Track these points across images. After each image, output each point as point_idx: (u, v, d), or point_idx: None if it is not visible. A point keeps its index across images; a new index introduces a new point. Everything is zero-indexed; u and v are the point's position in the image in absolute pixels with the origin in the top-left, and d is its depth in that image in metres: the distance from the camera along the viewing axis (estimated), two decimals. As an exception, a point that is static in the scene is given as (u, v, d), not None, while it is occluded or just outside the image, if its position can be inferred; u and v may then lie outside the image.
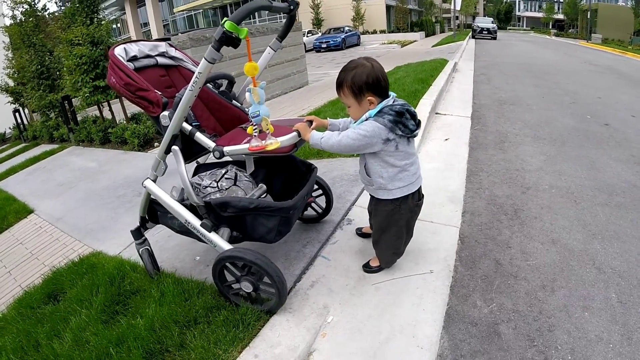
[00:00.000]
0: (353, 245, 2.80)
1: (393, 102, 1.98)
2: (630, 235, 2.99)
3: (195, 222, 2.15)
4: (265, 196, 2.46)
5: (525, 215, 3.28)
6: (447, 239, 2.87)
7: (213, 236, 2.13)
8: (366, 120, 1.96)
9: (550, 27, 66.36)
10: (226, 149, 2.05)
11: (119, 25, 49.55)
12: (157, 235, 3.20)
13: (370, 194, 2.28)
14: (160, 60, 2.58)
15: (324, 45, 26.02)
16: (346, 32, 27.98)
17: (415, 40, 30.06)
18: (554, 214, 3.29)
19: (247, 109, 2.41)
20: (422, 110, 5.91)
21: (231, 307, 2.16)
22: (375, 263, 2.51)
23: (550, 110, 6.85)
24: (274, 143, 1.89)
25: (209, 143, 2.10)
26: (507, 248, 2.84)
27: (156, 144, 6.18)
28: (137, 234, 2.57)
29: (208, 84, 2.66)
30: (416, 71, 9.73)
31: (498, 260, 2.71)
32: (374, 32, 36.32)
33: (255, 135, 1.90)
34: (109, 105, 6.94)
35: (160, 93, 2.12)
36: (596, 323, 2.20)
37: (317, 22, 35.25)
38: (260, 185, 2.49)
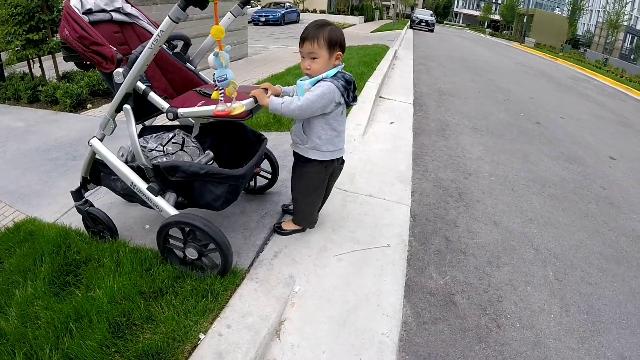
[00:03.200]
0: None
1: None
2: (563, 223, 3.50)
3: (141, 185, 2.18)
4: (212, 163, 2.53)
5: (468, 198, 3.68)
6: (400, 215, 3.15)
7: (159, 200, 2.17)
8: (321, 81, 2.12)
9: (486, 26, 70.89)
10: (181, 110, 2.06)
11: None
12: (98, 202, 3.12)
13: (298, 153, 2.36)
14: (115, 16, 2.56)
15: (262, 19, 25.74)
16: (286, 8, 28.26)
17: (354, 24, 30.93)
18: (494, 199, 3.73)
19: (200, 72, 2.45)
20: (369, 92, 6.28)
21: (197, 276, 2.16)
22: (289, 226, 2.66)
23: (486, 104, 7.50)
24: (238, 107, 1.91)
25: (163, 103, 2.11)
26: (455, 227, 3.19)
27: (89, 105, 5.90)
28: (78, 194, 2.52)
29: (163, 45, 2.67)
30: (359, 54, 10.07)
31: (447, 237, 3.05)
32: (314, 11, 36.92)
33: (221, 100, 1.91)
34: (40, 61, 6.45)
35: (115, 49, 2.12)
36: (538, 296, 2.59)
37: None
38: (207, 152, 2.57)
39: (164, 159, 2.35)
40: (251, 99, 2.01)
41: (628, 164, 5.53)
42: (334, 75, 2.13)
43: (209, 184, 2.14)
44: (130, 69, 2.01)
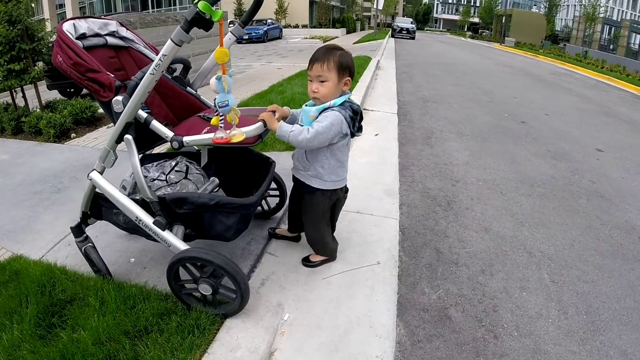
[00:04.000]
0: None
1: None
2: (554, 222, 3.49)
3: (147, 219, 2.09)
4: (217, 190, 2.46)
5: (457, 206, 3.67)
6: (389, 230, 3.12)
7: (167, 235, 2.08)
8: (328, 109, 2.09)
9: (466, 29, 72.16)
10: (187, 139, 1.98)
11: (33, 5, 45.65)
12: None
13: (300, 180, 2.33)
14: (110, 40, 2.48)
15: (245, 37, 26.09)
16: (269, 25, 28.87)
17: (336, 37, 31.32)
18: (484, 205, 3.72)
19: (201, 97, 2.40)
20: None
21: (183, 312, 2.12)
22: (316, 258, 2.62)
23: (470, 108, 7.57)
24: (238, 135, 1.86)
25: (167, 132, 2.02)
26: (445, 237, 3.17)
27: (73, 134, 5.88)
28: (78, 231, 2.44)
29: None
30: (343, 68, 10.17)
31: (438, 249, 3.02)
32: (297, 26, 37.36)
33: (220, 127, 1.88)
34: (23, 91, 6.43)
35: (112, 75, 2.03)
36: (534, 301, 2.56)
37: (240, 13, 35.17)
38: (212, 178, 2.48)
39: (168, 189, 2.31)
40: (260, 123, 1.96)
41: (616, 154, 5.58)
42: (342, 104, 2.10)
43: (220, 215, 2.07)
44: (130, 96, 1.93)
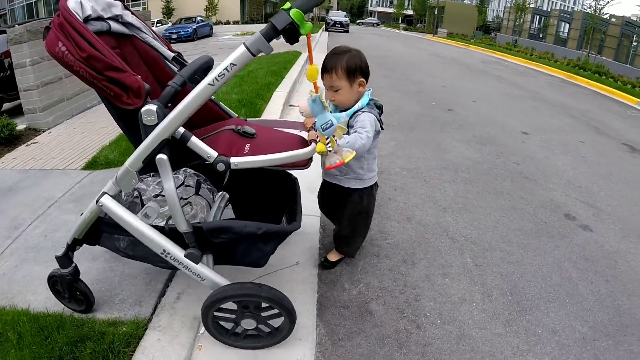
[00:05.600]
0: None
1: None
2: (477, 206, 3.60)
3: (177, 253, 1.89)
4: (227, 205, 2.35)
5: (380, 197, 3.68)
6: (310, 228, 3.10)
7: (202, 269, 1.91)
8: (359, 111, 2.12)
9: (400, 21, 74.44)
10: (236, 160, 1.74)
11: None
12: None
13: (338, 185, 2.39)
14: (114, 26, 2.09)
15: (174, 36, 25.52)
16: (198, 23, 28.63)
17: None
18: (407, 194, 3.77)
19: (220, 103, 2.26)
20: (276, 102, 6.29)
21: (98, 337, 2.03)
22: (335, 257, 2.72)
23: (398, 99, 7.72)
24: (348, 153, 1.80)
25: (210, 151, 1.75)
26: (367, 230, 3.18)
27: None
28: (66, 260, 2.16)
29: (171, 65, 2.26)
30: (269, 63, 10.07)
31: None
32: (228, 22, 37.36)
33: (329, 151, 1.80)
34: None
35: (139, 77, 1.69)
36: (457, 287, 2.61)
37: (168, 12, 34.80)
38: (221, 193, 2.34)
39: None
40: (313, 146, 1.83)
41: (542, 135, 5.86)
42: (368, 104, 2.15)
43: (259, 242, 1.93)
44: (165, 105, 1.66)
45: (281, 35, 1.48)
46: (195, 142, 1.75)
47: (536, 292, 2.62)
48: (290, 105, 6.80)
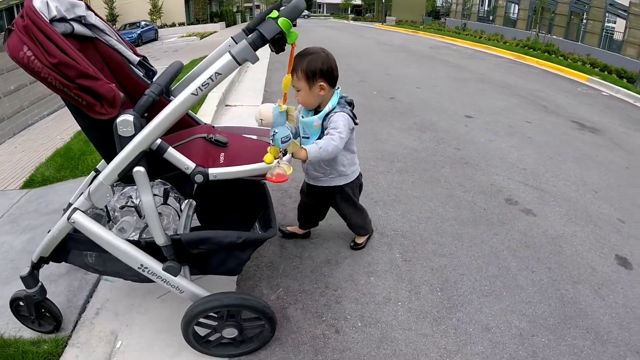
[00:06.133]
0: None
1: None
2: (411, 196, 3.51)
3: (155, 266, 1.88)
4: (195, 213, 2.36)
5: (309, 195, 3.55)
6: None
7: (181, 281, 1.92)
8: (331, 112, 2.21)
9: (349, 12, 75.06)
10: (214, 171, 1.80)
11: None
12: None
13: (322, 186, 2.52)
14: (77, 27, 1.99)
15: None
16: (142, 27, 29.28)
17: (215, 31, 32.27)
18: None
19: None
20: (210, 104, 6.20)
21: (19, 357, 2.04)
22: (361, 240, 2.87)
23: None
24: (289, 167, 1.80)
25: (187, 162, 1.79)
26: (291, 231, 3.03)
27: None
28: (32, 280, 2.10)
29: (136, 70, 2.22)
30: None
31: (282, 244, 2.88)
32: (173, 24, 37.53)
33: (277, 164, 1.78)
34: None
35: (114, 85, 1.65)
36: (382, 285, 2.51)
37: (112, 19, 34.70)
38: (188, 200, 2.33)
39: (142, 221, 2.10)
40: (289, 156, 1.90)
41: (486, 118, 5.87)
42: (339, 103, 2.24)
43: (236, 251, 1.97)
44: (141, 115, 1.64)
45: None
46: (173, 153, 1.80)
47: (469, 286, 2.54)
48: (227, 106, 6.75)
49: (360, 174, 2.62)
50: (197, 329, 2.00)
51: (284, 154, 1.84)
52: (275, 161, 1.79)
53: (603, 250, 3.02)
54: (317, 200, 2.69)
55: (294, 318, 2.27)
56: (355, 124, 2.31)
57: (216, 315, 1.94)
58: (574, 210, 3.53)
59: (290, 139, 1.80)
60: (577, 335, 2.25)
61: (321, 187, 2.52)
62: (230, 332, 2.00)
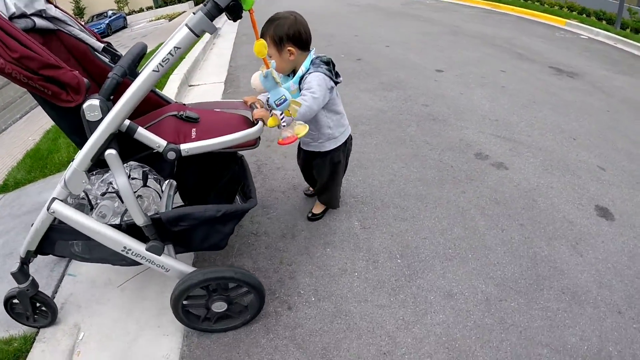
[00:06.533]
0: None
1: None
2: (374, 159, 3.40)
3: (138, 247, 1.96)
4: (176, 192, 2.43)
5: (267, 168, 3.43)
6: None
7: (166, 260, 1.99)
8: (306, 74, 2.18)
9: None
10: (186, 146, 1.82)
11: None
12: None
13: (313, 151, 2.52)
14: (38, 22, 2.06)
15: None
16: (110, 17, 29.41)
17: (184, 11, 31.89)
18: (295, 160, 3.49)
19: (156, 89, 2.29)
20: (171, 86, 6.12)
21: None
22: (319, 209, 2.84)
23: (305, 56, 7.44)
24: (302, 127, 1.85)
25: (158, 140, 1.83)
26: (248, 207, 2.93)
27: None
28: (22, 275, 2.18)
29: (101, 56, 2.27)
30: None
31: (240, 223, 2.76)
32: (141, 10, 37.50)
33: (283, 126, 1.85)
34: None
35: (77, 72, 1.71)
36: (339, 256, 2.44)
37: (79, 12, 34.78)
38: (169, 181, 2.41)
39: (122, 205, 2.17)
40: (260, 124, 1.91)
41: (457, 71, 5.74)
42: (312, 64, 2.20)
43: (218, 224, 2.04)
44: (107, 98, 1.69)
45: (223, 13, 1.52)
46: (143, 132, 1.83)
47: (432, 250, 2.46)
48: (190, 86, 6.68)
49: (350, 137, 2.59)
50: (187, 304, 2.07)
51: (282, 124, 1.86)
52: (281, 124, 1.86)
53: (582, 201, 2.95)
54: (310, 164, 2.69)
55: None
56: (336, 82, 2.28)
57: (204, 291, 2.01)
58: (550, 160, 3.45)
59: (285, 99, 1.80)
60: (551, 298, 2.19)
61: (311, 152, 2.53)
62: (219, 306, 2.06)
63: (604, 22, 10.79)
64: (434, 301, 2.14)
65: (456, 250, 2.45)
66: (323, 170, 2.59)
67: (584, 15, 11.36)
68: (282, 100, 1.81)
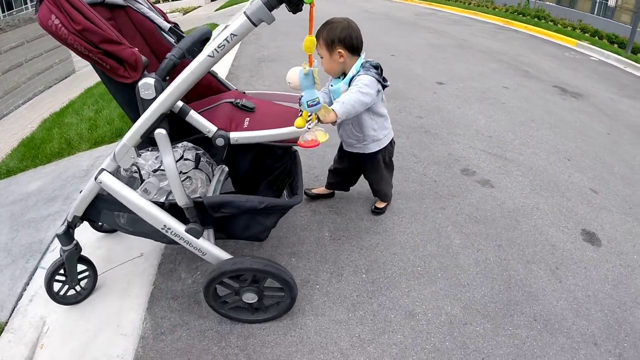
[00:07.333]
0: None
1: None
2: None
3: (178, 227, 1.98)
4: (227, 178, 2.44)
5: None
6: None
7: (204, 243, 2.00)
8: (356, 76, 2.24)
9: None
10: (235, 135, 1.89)
11: None
12: None
13: (358, 152, 2.57)
14: None
15: None
16: None
17: (199, 6, 31.97)
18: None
19: (219, 75, 2.39)
20: None
21: None
22: (381, 204, 2.92)
23: (310, 62, 7.39)
24: (322, 133, 1.80)
25: (209, 126, 1.89)
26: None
27: None
28: (67, 237, 2.23)
29: (167, 36, 2.34)
30: (180, 42, 9.82)
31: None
32: (157, 2, 37.45)
33: (308, 128, 1.80)
34: None
35: (137, 49, 1.76)
36: (303, 267, 2.39)
37: None
38: (220, 166, 2.43)
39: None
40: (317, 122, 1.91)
41: (458, 84, 5.66)
42: (362, 67, 2.27)
43: (259, 216, 2.05)
44: (163, 79, 1.74)
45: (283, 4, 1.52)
46: (194, 116, 1.90)
47: (400, 267, 2.39)
48: None
49: (393, 140, 2.66)
50: (219, 288, 2.07)
51: (319, 120, 1.83)
52: (307, 126, 1.81)
53: (568, 225, 2.86)
54: (350, 165, 2.75)
55: (204, 303, 2.18)
56: (384, 86, 2.33)
57: (239, 279, 2.02)
58: (540, 180, 3.36)
59: (318, 102, 1.77)
60: (521, 324, 2.10)
61: (356, 153, 2.57)
62: (250, 297, 2.06)
63: (615, 45, 10.65)
64: (393, 320, 2.06)
65: (425, 268, 2.38)
66: (373, 172, 2.70)
67: (596, 38, 11.24)
68: (315, 102, 1.79)
